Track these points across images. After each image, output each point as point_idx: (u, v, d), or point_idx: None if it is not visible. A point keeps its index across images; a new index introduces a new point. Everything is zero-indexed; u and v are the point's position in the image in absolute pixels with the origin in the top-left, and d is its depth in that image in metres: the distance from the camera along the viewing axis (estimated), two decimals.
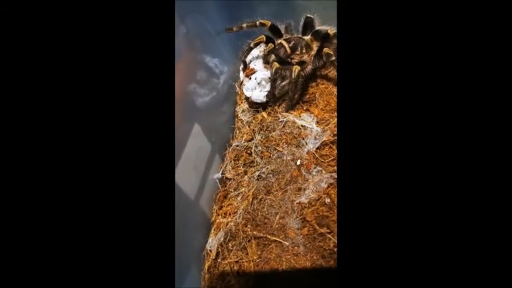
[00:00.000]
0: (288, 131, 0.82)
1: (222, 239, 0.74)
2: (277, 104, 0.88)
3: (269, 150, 0.82)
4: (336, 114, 0.81)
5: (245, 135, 0.87)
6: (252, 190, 0.77)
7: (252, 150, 0.83)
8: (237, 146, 0.87)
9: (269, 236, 0.71)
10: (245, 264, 0.70)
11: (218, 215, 0.79)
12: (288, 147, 0.81)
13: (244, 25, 0.87)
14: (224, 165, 0.86)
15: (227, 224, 0.76)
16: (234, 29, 0.88)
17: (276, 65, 0.80)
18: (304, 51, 0.87)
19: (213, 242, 0.75)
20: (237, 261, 0.71)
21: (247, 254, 0.71)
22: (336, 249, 0.64)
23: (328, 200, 0.70)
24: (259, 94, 0.86)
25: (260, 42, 0.85)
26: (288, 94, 0.83)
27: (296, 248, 0.68)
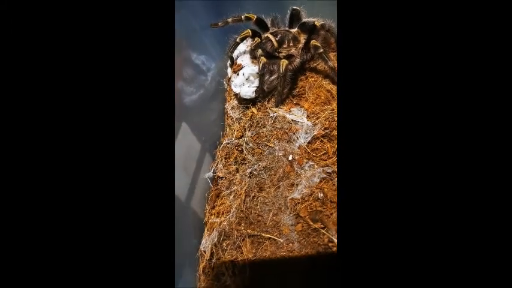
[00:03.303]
0: (279, 126, 0.81)
1: (216, 239, 0.73)
2: (267, 99, 0.86)
3: (260, 147, 0.81)
4: (326, 107, 0.80)
5: (235, 132, 0.86)
6: (245, 188, 0.76)
7: (243, 147, 0.82)
8: (228, 143, 0.85)
9: (263, 234, 0.70)
10: (240, 263, 0.69)
11: (211, 214, 0.78)
12: (279, 142, 0.79)
13: (230, 20, 0.85)
14: (215, 164, 0.84)
15: (220, 224, 0.74)
16: (220, 24, 0.86)
17: (263, 59, 0.78)
18: (291, 44, 0.85)
19: (207, 243, 0.74)
20: (232, 261, 0.70)
21: (242, 253, 0.70)
22: (330, 244, 0.64)
23: (321, 195, 0.69)
24: (247, 90, 0.85)
25: (246, 36, 0.83)
26: (277, 89, 0.82)
27: (291, 244, 0.68)
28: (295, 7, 0.87)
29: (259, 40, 0.83)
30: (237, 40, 0.83)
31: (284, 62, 0.78)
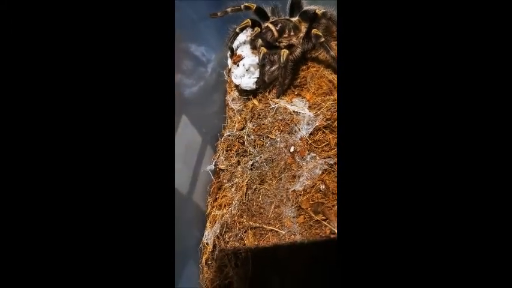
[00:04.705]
0: (280, 118, 0.80)
1: (218, 232, 0.73)
2: (268, 90, 0.85)
3: (262, 139, 0.80)
4: (327, 97, 0.78)
5: (237, 124, 0.85)
6: (246, 180, 0.76)
7: (245, 139, 0.81)
8: (229, 135, 0.84)
9: (265, 226, 0.70)
10: (243, 255, 0.70)
11: (213, 207, 0.78)
12: (280, 134, 0.79)
13: (229, 9, 0.83)
14: (217, 156, 0.84)
15: (223, 216, 0.75)
16: (219, 14, 0.84)
17: (264, 49, 0.77)
18: (292, 33, 0.83)
19: (209, 235, 0.74)
20: (234, 253, 0.71)
21: (244, 244, 0.71)
22: (332, 236, 0.63)
23: (323, 187, 0.69)
24: (248, 81, 0.84)
25: (246, 26, 0.81)
26: (278, 79, 0.80)
27: (293, 236, 0.68)
28: None
29: (259, 30, 0.81)
30: (237, 30, 0.82)
31: (285, 52, 0.76)
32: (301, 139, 0.76)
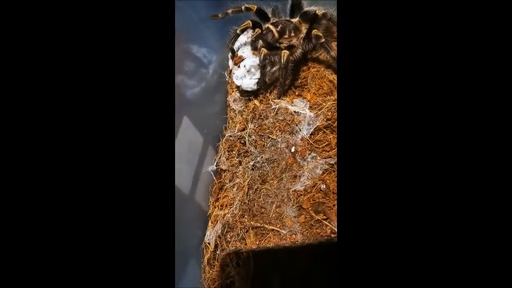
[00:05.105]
0: (281, 118, 0.81)
1: (219, 231, 0.74)
2: (269, 91, 0.86)
3: (263, 139, 0.81)
4: (328, 98, 0.79)
5: (238, 125, 0.85)
6: (247, 180, 0.77)
7: (246, 140, 0.82)
8: (230, 136, 0.85)
9: (266, 226, 0.71)
10: (244, 254, 0.70)
11: (215, 207, 0.79)
12: (281, 134, 0.79)
13: (230, 11, 0.84)
14: (218, 157, 0.84)
15: (224, 216, 0.75)
16: (220, 15, 0.85)
17: (264, 50, 0.77)
18: (292, 34, 0.84)
19: (211, 235, 0.74)
20: (236, 252, 0.71)
21: (245, 244, 0.71)
22: (333, 235, 0.64)
23: (324, 186, 0.69)
24: (249, 82, 0.84)
25: (246, 28, 0.82)
26: (279, 80, 0.81)
27: (294, 236, 0.68)
28: None
29: (260, 31, 0.82)
30: (238, 31, 0.82)
31: (285, 53, 0.77)
32: (302, 139, 0.76)
